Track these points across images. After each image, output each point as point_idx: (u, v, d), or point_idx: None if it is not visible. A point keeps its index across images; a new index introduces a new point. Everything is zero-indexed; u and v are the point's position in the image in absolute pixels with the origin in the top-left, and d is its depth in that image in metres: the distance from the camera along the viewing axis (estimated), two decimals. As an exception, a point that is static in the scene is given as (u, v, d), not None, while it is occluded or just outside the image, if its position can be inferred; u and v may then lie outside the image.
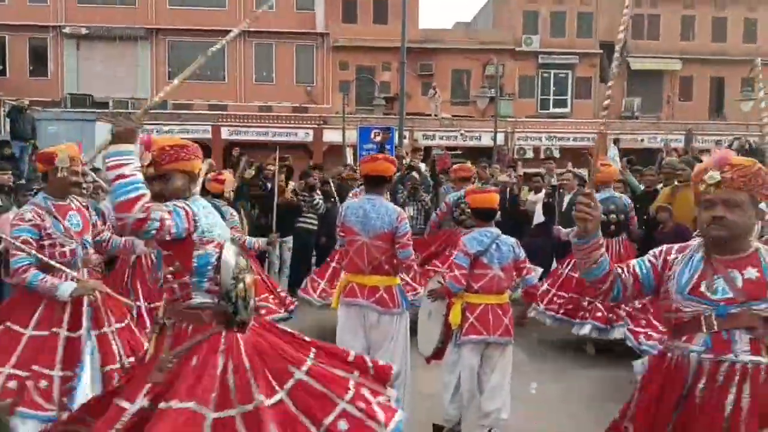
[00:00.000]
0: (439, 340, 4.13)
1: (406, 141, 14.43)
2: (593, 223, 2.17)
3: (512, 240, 4.12)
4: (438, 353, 4.17)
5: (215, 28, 25.19)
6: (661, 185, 6.99)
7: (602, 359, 6.04)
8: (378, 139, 14.57)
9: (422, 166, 8.43)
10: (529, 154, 24.26)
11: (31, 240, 3.30)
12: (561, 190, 7.64)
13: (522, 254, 4.09)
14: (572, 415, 4.69)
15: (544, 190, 8.27)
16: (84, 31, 24.75)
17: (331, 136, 22.84)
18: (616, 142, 18.79)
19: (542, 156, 24.15)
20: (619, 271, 2.33)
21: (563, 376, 5.58)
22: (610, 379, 5.43)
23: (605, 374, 5.58)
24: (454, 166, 7.57)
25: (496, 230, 4.10)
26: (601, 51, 27.98)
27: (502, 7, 28.77)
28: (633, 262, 2.38)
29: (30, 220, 3.34)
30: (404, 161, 8.53)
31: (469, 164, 7.77)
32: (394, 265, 3.97)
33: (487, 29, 29.40)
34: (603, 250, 2.27)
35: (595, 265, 2.26)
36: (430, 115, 24.68)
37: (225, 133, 23.69)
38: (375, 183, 4.08)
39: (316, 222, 8.31)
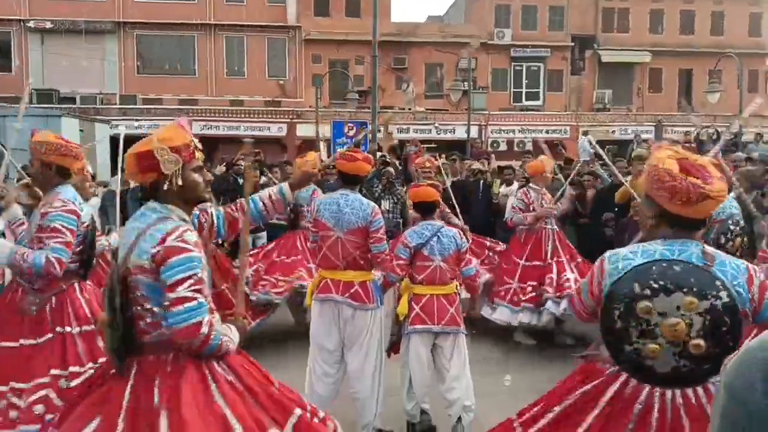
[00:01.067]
0: (391, 333, 4.21)
1: (380, 134, 14.40)
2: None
3: (454, 231, 4.21)
4: (394, 346, 4.22)
5: (184, 21, 24.89)
6: (631, 177, 7.07)
7: (578, 350, 6.08)
8: (352, 133, 14.48)
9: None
10: (503, 147, 24.43)
11: None
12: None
13: (464, 245, 4.18)
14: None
15: (516, 183, 8.28)
16: (49, 24, 24.18)
17: (304, 130, 22.71)
18: (585, 134, 18.97)
19: (516, 148, 24.36)
20: None
21: (535, 368, 5.60)
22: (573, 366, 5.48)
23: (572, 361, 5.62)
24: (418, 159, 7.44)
25: (438, 223, 4.22)
26: (573, 44, 28.27)
27: (473, 1, 28.86)
28: None
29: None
30: (378, 155, 8.48)
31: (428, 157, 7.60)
32: (369, 260, 3.95)
33: (460, 23, 29.47)
34: None
35: None
36: (404, 108, 24.68)
37: (196, 128, 23.36)
38: (351, 181, 4.05)
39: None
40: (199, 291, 2.02)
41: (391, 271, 4.05)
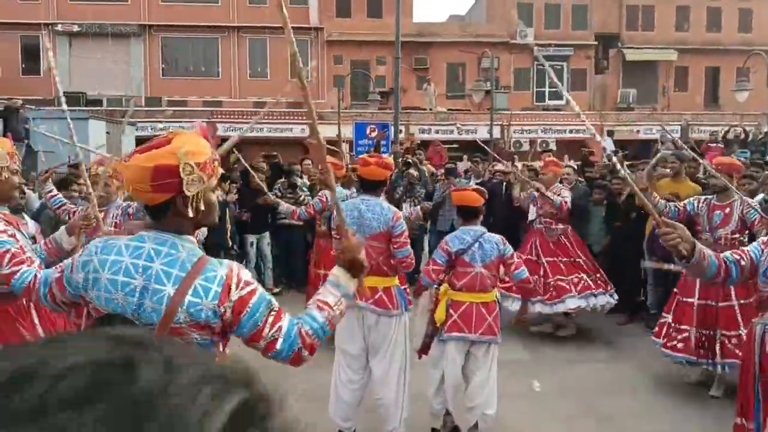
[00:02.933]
0: (425, 335, 4.17)
1: (402, 135, 14.40)
2: (684, 245, 2.31)
3: (497, 237, 4.12)
4: (425, 348, 4.19)
5: (208, 23, 25.16)
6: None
7: (603, 353, 6.04)
8: (374, 135, 14.50)
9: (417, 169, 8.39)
10: (526, 147, 24.26)
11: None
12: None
13: (508, 251, 4.11)
14: (570, 411, 4.68)
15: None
16: (76, 28, 24.62)
17: (326, 131, 22.66)
18: (610, 134, 18.77)
19: (538, 148, 24.17)
20: (737, 257, 2.64)
21: (563, 370, 5.57)
22: (611, 373, 5.45)
23: (606, 367, 5.60)
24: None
25: (480, 228, 4.12)
26: (596, 43, 27.97)
27: (495, 0, 28.70)
28: (749, 248, 2.74)
29: (4, 231, 2.70)
30: (400, 159, 8.49)
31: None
32: (392, 265, 3.93)
33: (482, 22, 29.34)
34: (709, 257, 2.47)
35: (707, 270, 2.49)
36: (425, 109, 24.64)
37: (220, 130, 23.58)
38: (369, 186, 4.03)
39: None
40: (278, 317, 1.78)
41: (426, 275, 4.04)
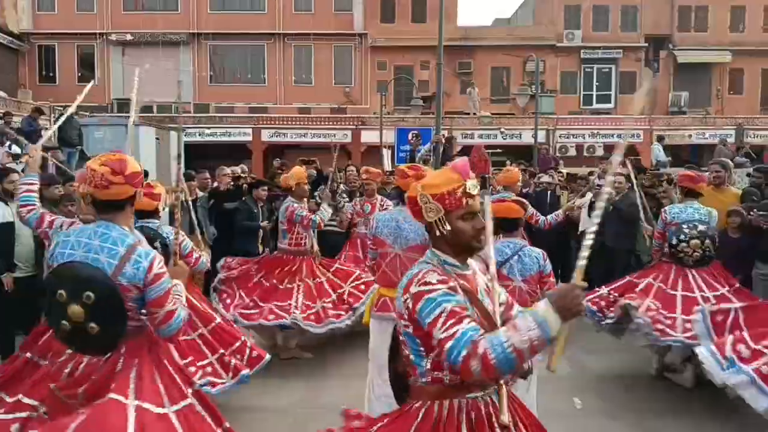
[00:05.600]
0: None
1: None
2: None
3: (537, 251, 3.95)
4: None
5: (255, 31, 25.61)
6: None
7: (645, 372, 5.83)
8: (413, 141, 14.43)
9: None
10: (572, 152, 23.79)
11: None
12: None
13: (548, 267, 3.93)
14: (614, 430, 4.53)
15: (589, 194, 7.97)
16: (129, 37, 25.40)
17: (369, 136, 22.86)
18: (660, 139, 18.20)
19: (585, 153, 23.65)
20: None
21: (608, 388, 5.39)
22: (663, 390, 5.25)
23: (658, 385, 5.40)
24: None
25: (520, 241, 3.99)
26: (646, 44, 27.27)
27: (543, 2, 28.28)
28: None
29: None
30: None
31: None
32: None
33: (527, 25, 28.96)
34: None
35: None
36: (469, 113, 24.44)
37: (265, 136, 23.96)
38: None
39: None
40: (457, 322, 1.91)
41: None
